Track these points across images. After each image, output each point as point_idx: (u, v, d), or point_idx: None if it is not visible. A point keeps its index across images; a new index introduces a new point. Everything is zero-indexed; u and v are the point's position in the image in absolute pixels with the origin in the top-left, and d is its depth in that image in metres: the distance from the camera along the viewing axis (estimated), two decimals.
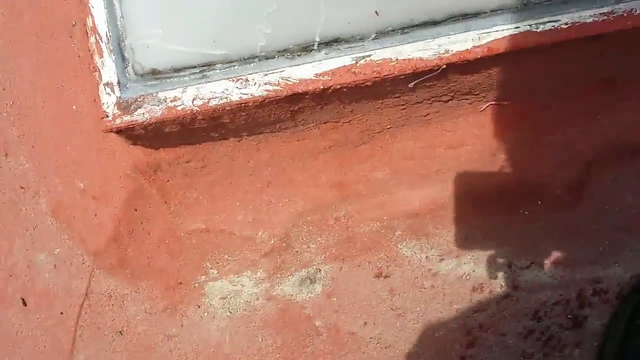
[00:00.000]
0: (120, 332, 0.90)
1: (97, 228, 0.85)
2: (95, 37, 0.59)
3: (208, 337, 0.89)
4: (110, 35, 0.59)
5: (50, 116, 0.82)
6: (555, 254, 0.88)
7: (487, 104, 0.78)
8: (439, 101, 0.74)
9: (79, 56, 0.81)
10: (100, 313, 0.90)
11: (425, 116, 0.78)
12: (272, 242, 0.88)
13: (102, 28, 0.59)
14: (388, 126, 0.79)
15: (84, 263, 0.89)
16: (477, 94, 0.74)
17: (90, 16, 0.59)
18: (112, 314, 0.90)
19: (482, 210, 0.87)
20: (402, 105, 0.73)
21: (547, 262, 0.88)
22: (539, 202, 0.87)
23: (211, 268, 0.89)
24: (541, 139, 0.81)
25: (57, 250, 0.89)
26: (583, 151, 0.82)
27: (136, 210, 0.83)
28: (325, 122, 0.75)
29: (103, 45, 0.59)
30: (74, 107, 0.80)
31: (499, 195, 0.85)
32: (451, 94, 0.72)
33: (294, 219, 0.86)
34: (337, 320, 0.89)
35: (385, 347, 0.90)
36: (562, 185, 0.84)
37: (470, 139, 0.81)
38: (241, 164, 0.81)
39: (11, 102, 0.86)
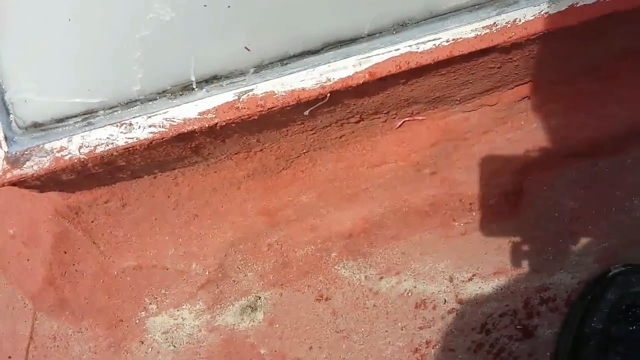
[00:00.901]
0: None
1: (31, 272, 0.86)
2: None
3: None
4: None
5: None
6: (497, 265, 0.86)
7: (401, 121, 0.76)
8: (348, 123, 0.72)
9: None
10: (46, 355, 0.90)
11: (340, 137, 0.76)
12: (207, 273, 0.87)
13: None
14: (304, 150, 0.78)
15: (25, 307, 0.90)
16: (386, 113, 0.72)
17: None
18: (58, 355, 0.90)
19: (416, 225, 0.85)
20: (311, 130, 0.72)
21: (489, 273, 0.86)
22: (474, 213, 0.84)
23: (150, 303, 0.88)
24: (465, 149, 0.78)
25: None
26: (512, 159, 0.79)
27: (65, 252, 0.83)
28: (236, 153, 0.74)
29: None
30: None
31: (431, 209, 0.83)
32: (358, 116, 0.70)
33: (226, 248, 0.85)
34: (282, 346, 0.88)
35: None
36: (496, 194, 0.82)
37: (392, 156, 0.79)
38: (162, 200, 0.80)
39: None
